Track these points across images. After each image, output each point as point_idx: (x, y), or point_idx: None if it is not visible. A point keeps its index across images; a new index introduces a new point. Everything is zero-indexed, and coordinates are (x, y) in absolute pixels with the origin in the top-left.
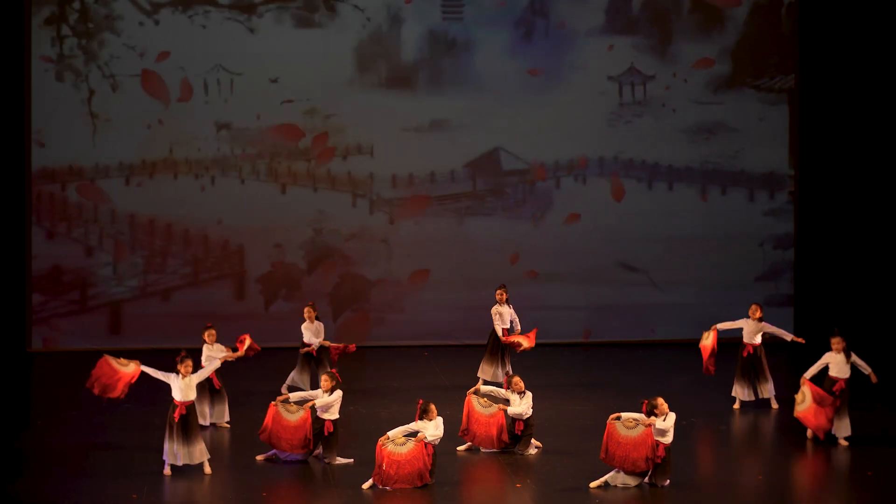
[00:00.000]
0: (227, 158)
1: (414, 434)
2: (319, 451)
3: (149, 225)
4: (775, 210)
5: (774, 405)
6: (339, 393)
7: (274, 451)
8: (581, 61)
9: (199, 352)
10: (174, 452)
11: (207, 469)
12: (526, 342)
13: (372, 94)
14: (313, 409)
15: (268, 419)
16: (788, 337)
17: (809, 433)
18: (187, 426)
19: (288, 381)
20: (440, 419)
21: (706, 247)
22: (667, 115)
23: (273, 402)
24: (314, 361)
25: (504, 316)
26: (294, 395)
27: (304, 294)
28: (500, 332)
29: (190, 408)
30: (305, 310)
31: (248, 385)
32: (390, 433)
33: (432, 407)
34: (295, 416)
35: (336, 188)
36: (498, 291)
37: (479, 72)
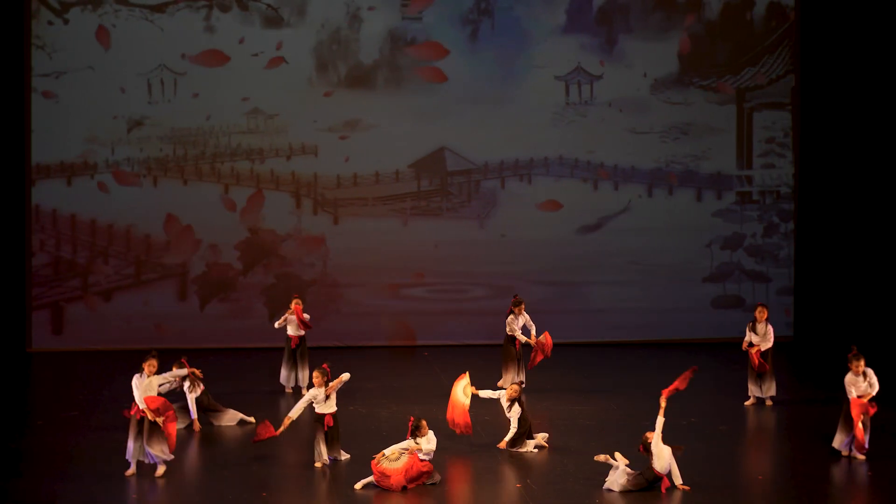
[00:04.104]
0: (169, 159)
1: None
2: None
3: (90, 225)
4: (723, 211)
5: (769, 403)
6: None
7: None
8: (538, 61)
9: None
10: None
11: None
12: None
13: (318, 93)
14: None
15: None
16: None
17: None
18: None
19: (289, 383)
20: (432, 433)
21: (653, 247)
22: (613, 114)
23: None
24: (296, 354)
25: (518, 323)
26: (294, 412)
27: (239, 295)
28: (522, 341)
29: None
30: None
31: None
32: (386, 451)
33: (423, 423)
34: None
35: (280, 188)
36: (514, 301)
37: (434, 71)
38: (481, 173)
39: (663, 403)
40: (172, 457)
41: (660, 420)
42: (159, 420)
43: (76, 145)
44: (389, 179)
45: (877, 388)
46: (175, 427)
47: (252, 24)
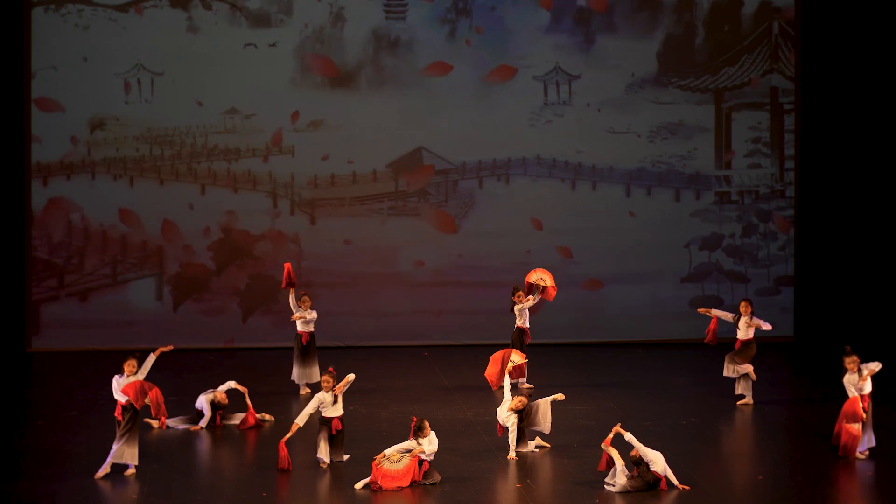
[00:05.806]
0: (145, 159)
1: (409, 451)
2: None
3: (67, 226)
4: (701, 211)
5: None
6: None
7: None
8: (520, 61)
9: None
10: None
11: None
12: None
13: (299, 93)
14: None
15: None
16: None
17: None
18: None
19: (301, 380)
20: (433, 434)
21: (631, 248)
22: (591, 114)
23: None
24: (303, 350)
25: (525, 311)
26: (301, 419)
27: (212, 295)
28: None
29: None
30: (304, 298)
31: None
32: (387, 451)
33: (426, 424)
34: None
35: (257, 189)
36: (517, 294)
37: (416, 71)
38: (459, 173)
39: (611, 450)
40: (135, 463)
41: (628, 436)
42: (147, 401)
43: (52, 146)
44: (367, 179)
45: (878, 364)
46: (161, 396)
47: (238, 23)
